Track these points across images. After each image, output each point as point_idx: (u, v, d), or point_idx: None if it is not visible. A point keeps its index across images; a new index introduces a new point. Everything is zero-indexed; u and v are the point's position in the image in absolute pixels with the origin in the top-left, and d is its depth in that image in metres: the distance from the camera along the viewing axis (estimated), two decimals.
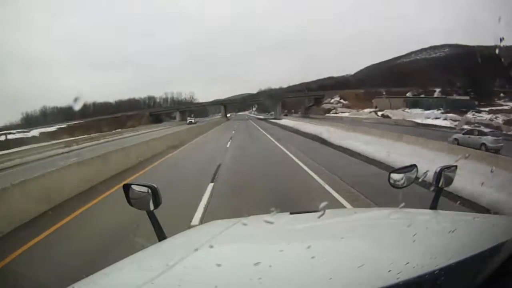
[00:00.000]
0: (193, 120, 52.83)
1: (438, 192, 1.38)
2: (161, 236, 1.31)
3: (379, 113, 48.11)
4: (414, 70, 64.86)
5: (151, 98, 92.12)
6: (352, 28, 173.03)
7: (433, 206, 1.34)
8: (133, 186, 1.35)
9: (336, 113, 58.72)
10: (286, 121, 37.50)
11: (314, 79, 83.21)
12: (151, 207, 1.31)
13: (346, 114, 53.26)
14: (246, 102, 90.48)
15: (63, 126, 64.07)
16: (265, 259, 0.82)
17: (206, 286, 0.72)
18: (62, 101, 75.24)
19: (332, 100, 66.23)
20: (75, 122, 65.72)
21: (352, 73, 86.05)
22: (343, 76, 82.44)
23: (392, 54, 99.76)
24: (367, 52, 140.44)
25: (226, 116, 73.61)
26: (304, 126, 23.92)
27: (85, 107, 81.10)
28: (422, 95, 54.33)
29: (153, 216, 1.34)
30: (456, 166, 1.42)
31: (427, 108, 44.39)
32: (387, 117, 43.19)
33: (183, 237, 1.28)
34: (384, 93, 58.36)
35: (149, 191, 1.31)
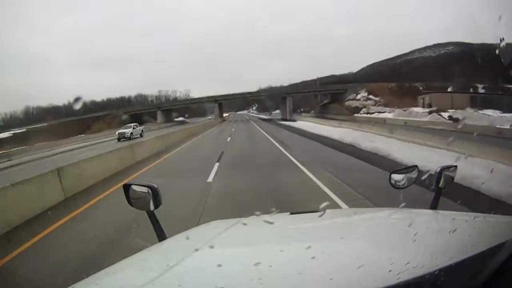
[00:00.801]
0: (127, 131, 25.85)
1: (438, 192, 1.39)
2: (161, 236, 1.32)
3: (444, 115, 31.30)
4: (424, 67, 59.51)
5: (142, 96, 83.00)
6: (352, 28, 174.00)
7: (433, 206, 1.35)
8: (133, 186, 1.35)
9: (369, 112, 43.93)
10: (310, 126, 22.90)
11: (315, 77, 76.70)
12: (151, 207, 1.31)
13: (388, 115, 37.46)
14: (246, 99, 75.60)
15: (20, 131, 55.12)
16: (265, 259, 0.82)
17: (206, 286, 0.72)
18: (56, 100, 71.97)
19: (358, 96, 51.36)
20: (36, 126, 55.70)
21: (355, 71, 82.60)
22: (345, 74, 77.93)
23: (394, 52, 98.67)
24: (368, 51, 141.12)
25: (221, 116, 61.28)
26: (380, 144, 10.55)
27: (66, 107, 70.89)
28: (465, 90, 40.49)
29: (153, 216, 1.34)
30: (456, 166, 1.43)
31: (510, 109, 30.51)
32: (458, 120, 28.79)
33: (183, 237, 1.28)
34: (421, 88, 47.65)
35: (149, 191, 1.31)
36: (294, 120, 37.01)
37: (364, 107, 48.38)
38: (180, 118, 70.36)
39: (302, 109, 61.33)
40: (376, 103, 48.83)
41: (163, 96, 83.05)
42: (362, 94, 51.95)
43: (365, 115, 42.53)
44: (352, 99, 52.17)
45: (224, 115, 70.87)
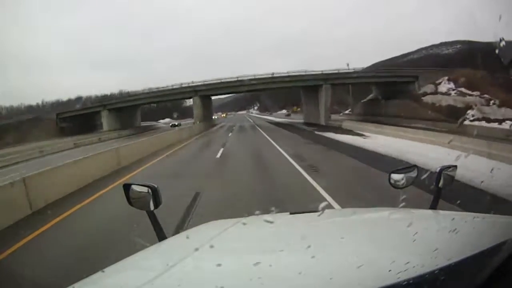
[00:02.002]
0: None
1: (438, 192, 1.39)
2: (161, 236, 1.32)
3: None
4: (438, 64, 48.86)
5: (125, 94, 64.13)
6: (352, 27, 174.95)
7: (433, 206, 1.35)
8: (133, 186, 1.36)
9: (488, 119, 22.27)
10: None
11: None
12: (151, 207, 1.31)
13: None
14: (243, 85, 37.75)
15: None
16: (265, 259, 0.82)
17: (206, 286, 0.72)
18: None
19: (442, 88, 31.14)
20: None
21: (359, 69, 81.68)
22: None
23: (394, 52, 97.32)
24: (369, 50, 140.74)
25: (211, 118, 42.54)
26: None
27: (37, 107, 60.11)
28: None
29: (153, 216, 1.35)
30: (456, 166, 1.42)
31: None
32: None
33: (183, 237, 1.29)
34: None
35: (149, 191, 1.31)
36: (361, 134, 16.85)
37: (469, 107, 26.57)
38: (166, 120, 54.96)
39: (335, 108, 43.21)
40: (487, 102, 27.18)
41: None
42: (446, 84, 31.55)
43: (484, 123, 21.20)
44: (432, 93, 30.56)
45: (214, 116, 54.10)
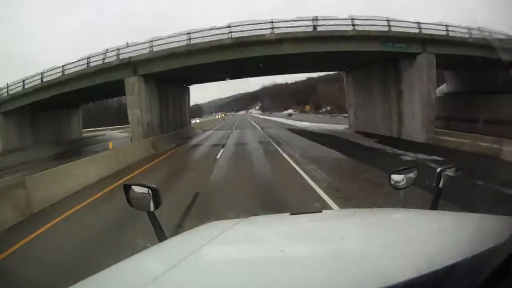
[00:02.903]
0: None
1: (438, 193, 1.39)
2: (161, 236, 1.32)
3: None
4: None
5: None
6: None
7: (433, 206, 1.35)
8: (133, 187, 1.35)
9: None
10: None
11: (316, 76, 65.81)
12: (152, 208, 1.31)
13: None
14: (244, 45, 13.10)
15: None
16: (266, 260, 0.82)
17: (207, 286, 0.73)
18: None
19: None
20: None
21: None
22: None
23: None
24: None
25: (184, 124, 22.04)
26: None
27: None
28: None
29: (154, 217, 1.34)
30: (456, 167, 1.42)
31: None
32: None
33: (183, 238, 1.29)
34: None
35: (149, 192, 1.31)
36: None
37: None
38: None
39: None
40: None
41: None
42: None
43: None
44: None
45: (197, 120, 36.82)
